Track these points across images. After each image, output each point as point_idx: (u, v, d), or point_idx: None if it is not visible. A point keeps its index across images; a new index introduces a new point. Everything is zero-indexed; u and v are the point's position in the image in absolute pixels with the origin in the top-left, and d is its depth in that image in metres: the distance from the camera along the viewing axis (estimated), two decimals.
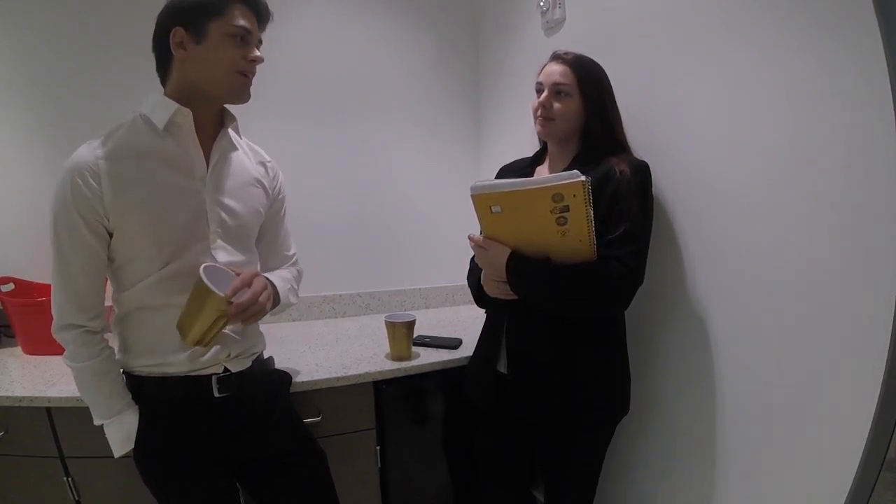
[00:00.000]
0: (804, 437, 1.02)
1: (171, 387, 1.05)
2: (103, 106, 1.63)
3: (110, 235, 1.00)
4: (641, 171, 1.18)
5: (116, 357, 1.08)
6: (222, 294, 0.92)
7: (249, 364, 1.15)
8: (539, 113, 1.25)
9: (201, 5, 0.96)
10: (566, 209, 1.02)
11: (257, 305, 0.98)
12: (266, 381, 1.22)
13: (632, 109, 1.31)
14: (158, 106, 1.01)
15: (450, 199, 2.24)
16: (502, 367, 1.31)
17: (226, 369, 1.09)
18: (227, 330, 1.08)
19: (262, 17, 1.03)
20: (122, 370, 1.08)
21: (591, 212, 1.03)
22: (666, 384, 1.38)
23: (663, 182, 1.28)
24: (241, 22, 0.98)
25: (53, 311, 1.01)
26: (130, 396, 1.06)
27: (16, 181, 1.72)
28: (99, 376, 1.03)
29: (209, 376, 1.07)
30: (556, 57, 1.25)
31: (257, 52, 1.02)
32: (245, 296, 0.96)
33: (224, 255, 1.07)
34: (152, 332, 1.04)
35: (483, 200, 1.08)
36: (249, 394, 1.14)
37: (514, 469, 1.42)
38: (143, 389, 1.06)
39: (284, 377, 1.31)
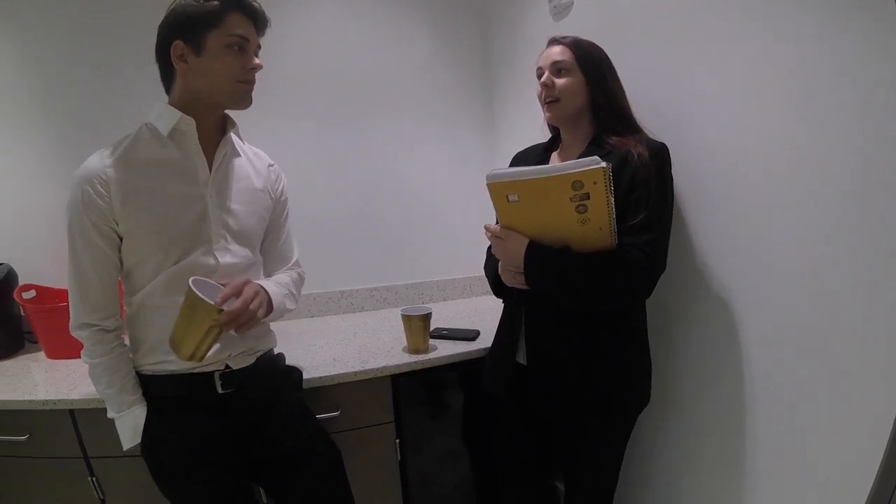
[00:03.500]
0: (836, 434, 0.98)
1: (175, 384, 1.08)
2: (122, 115, 1.63)
3: (121, 239, 1.05)
4: (660, 154, 1.14)
5: (130, 356, 1.12)
6: (212, 302, 0.93)
7: (253, 361, 1.16)
8: (543, 96, 1.22)
9: (199, 17, 0.99)
10: (586, 197, 0.98)
11: (248, 313, 0.99)
12: (273, 377, 1.22)
13: (642, 92, 1.27)
14: (163, 115, 1.06)
15: (465, 189, 2.21)
16: (521, 358, 1.28)
17: (227, 366, 1.11)
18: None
19: (259, 23, 1.06)
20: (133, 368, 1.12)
21: (613, 199, 0.99)
22: (688, 376, 1.34)
23: (679, 165, 1.22)
24: (239, 31, 1.01)
25: (70, 311, 1.07)
26: (140, 393, 1.10)
27: (35, 191, 1.75)
28: (111, 371, 1.07)
29: (211, 373, 1.10)
30: (553, 41, 1.24)
31: (256, 60, 1.05)
32: (235, 304, 0.97)
33: (228, 256, 1.10)
34: (157, 331, 1.07)
35: (499, 189, 1.05)
36: (254, 390, 1.15)
37: (534, 460, 1.40)
38: (150, 387, 1.11)
39: (294, 373, 1.31)
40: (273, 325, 1.30)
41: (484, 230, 1.18)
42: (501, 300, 1.38)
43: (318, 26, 1.99)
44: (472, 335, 1.66)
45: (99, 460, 1.33)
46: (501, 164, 1.41)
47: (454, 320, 1.88)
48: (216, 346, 1.05)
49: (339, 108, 2.04)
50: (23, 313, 1.68)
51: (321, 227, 2.01)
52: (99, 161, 1.02)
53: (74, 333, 1.07)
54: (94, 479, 1.34)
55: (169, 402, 1.09)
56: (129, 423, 1.08)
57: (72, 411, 1.30)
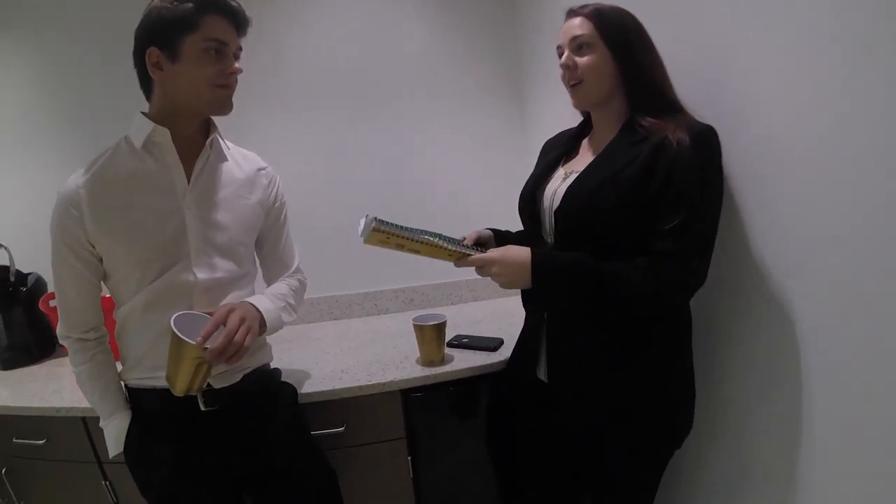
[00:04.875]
0: None
1: (160, 398, 1.06)
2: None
3: (101, 259, 1.04)
4: (704, 140, 0.94)
5: (113, 364, 1.13)
6: (194, 342, 0.89)
7: (239, 379, 1.11)
8: (566, 79, 1.05)
9: (173, 21, 0.94)
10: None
11: (233, 346, 0.93)
12: (263, 394, 1.17)
13: (689, 66, 1.07)
14: (138, 126, 1.02)
15: (493, 176, 2.04)
16: (542, 375, 1.15)
17: (209, 385, 1.06)
18: None
19: (239, 24, 1.00)
20: (121, 380, 1.12)
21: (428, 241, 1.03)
22: (738, 395, 1.12)
23: (730, 150, 1.00)
24: (216, 34, 0.96)
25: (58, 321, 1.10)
26: (124, 401, 1.11)
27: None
28: (92, 378, 1.09)
29: None
30: (571, 12, 1.05)
31: (236, 64, 1.00)
32: (217, 340, 0.91)
33: (208, 271, 1.05)
34: (142, 346, 1.06)
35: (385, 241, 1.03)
36: (241, 408, 1.10)
37: (559, 485, 1.25)
38: (137, 400, 1.10)
39: (286, 390, 1.25)
40: (293, 329, 1.25)
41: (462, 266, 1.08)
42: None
43: (323, 15, 1.91)
44: (493, 345, 1.53)
45: (112, 465, 1.35)
46: (535, 147, 1.29)
47: (481, 325, 1.75)
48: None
49: (356, 105, 1.94)
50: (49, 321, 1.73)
51: (343, 228, 1.90)
52: (73, 182, 1.00)
53: (62, 342, 1.11)
54: (107, 483, 1.37)
55: (154, 416, 1.08)
56: (113, 433, 1.09)
57: (84, 418, 1.32)
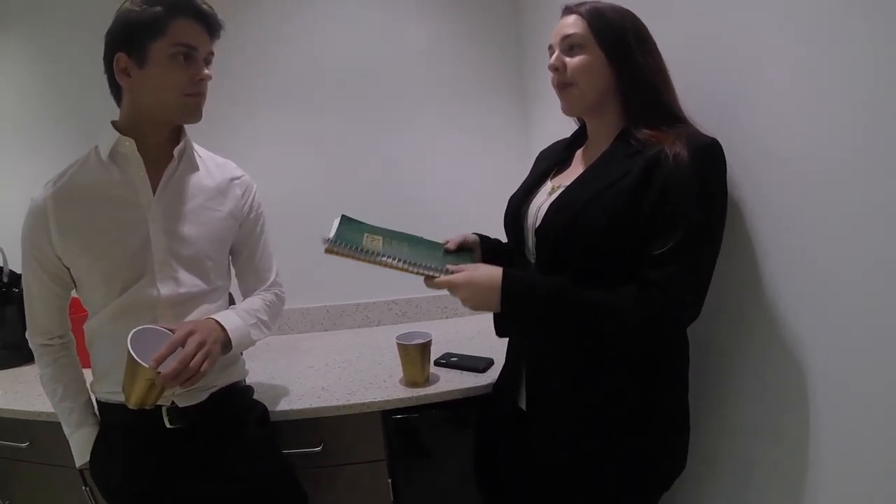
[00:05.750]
0: None
1: (125, 413, 1.03)
2: None
3: (68, 269, 1.04)
4: (705, 155, 0.85)
5: (76, 367, 1.15)
6: (146, 365, 0.87)
7: (205, 398, 1.09)
8: (554, 81, 0.98)
9: (140, 26, 0.92)
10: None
11: (188, 371, 0.90)
12: (228, 414, 1.15)
13: (693, 70, 1.00)
14: (106, 136, 1.01)
15: (495, 181, 1.92)
16: (522, 403, 1.09)
17: (174, 403, 1.05)
18: None
19: (211, 28, 0.98)
20: (91, 392, 1.13)
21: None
22: (736, 432, 1.04)
23: (734, 164, 0.92)
24: (184, 39, 0.94)
25: None
26: (91, 412, 1.12)
27: None
28: (54, 381, 1.11)
29: (159, 407, 1.03)
30: (566, 10, 0.98)
31: (206, 71, 0.98)
32: (171, 365, 0.89)
33: (172, 286, 1.03)
34: (108, 360, 1.05)
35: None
36: (207, 427, 1.09)
37: None
38: (104, 414, 1.11)
39: (256, 408, 1.23)
40: (281, 339, 1.24)
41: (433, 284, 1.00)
42: None
43: (321, 19, 1.88)
44: (482, 365, 1.49)
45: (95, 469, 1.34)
46: (537, 149, 1.24)
47: (473, 341, 1.70)
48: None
49: (351, 100, 1.90)
50: None
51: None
52: (42, 193, 1.01)
53: (30, 344, 1.12)
54: (87, 488, 1.37)
55: (119, 430, 1.08)
56: (78, 443, 1.11)
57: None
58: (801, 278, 0.84)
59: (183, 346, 0.92)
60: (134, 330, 0.91)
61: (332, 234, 0.98)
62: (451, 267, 0.99)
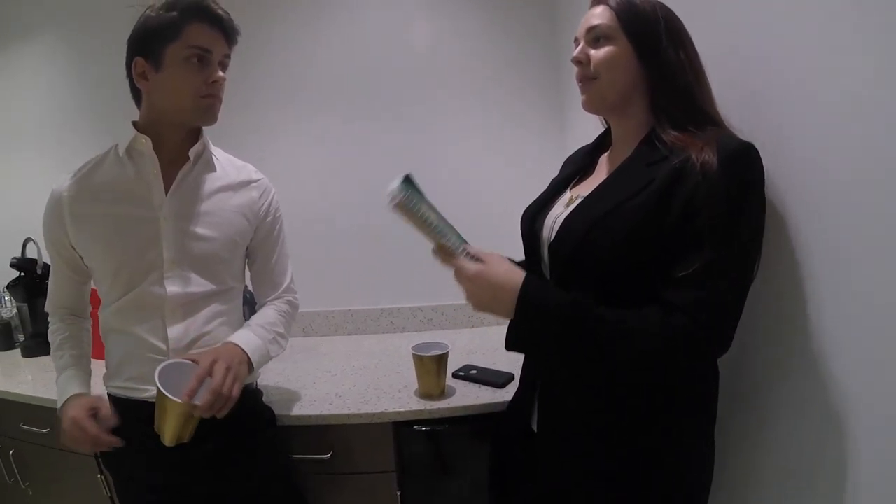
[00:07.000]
0: None
1: (131, 410, 1.05)
2: None
3: (82, 258, 1.07)
4: (740, 161, 0.75)
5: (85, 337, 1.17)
6: (179, 400, 0.88)
7: None
8: (578, 75, 0.90)
9: (156, 30, 0.95)
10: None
11: (221, 398, 0.92)
12: (238, 416, 1.12)
13: (735, 72, 0.91)
14: (126, 134, 1.03)
15: (526, 186, 1.86)
16: (534, 425, 1.01)
17: None
18: None
19: (226, 32, 0.99)
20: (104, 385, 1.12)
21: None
22: (770, 469, 0.93)
23: (774, 173, 0.82)
24: (198, 42, 0.96)
25: None
26: (82, 365, 1.11)
27: None
28: (57, 334, 1.12)
29: None
30: (594, 0, 0.90)
31: (220, 73, 0.99)
32: (204, 398, 0.90)
33: (179, 285, 1.03)
34: (115, 356, 1.07)
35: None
36: (212, 429, 1.04)
37: None
38: (115, 406, 1.07)
39: (264, 415, 1.22)
40: (304, 341, 1.22)
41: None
42: None
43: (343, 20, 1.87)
44: (502, 380, 1.42)
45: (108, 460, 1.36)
46: (573, 148, 1.17)
47: (497, 353, 1.63)
48: None
49: (379, 104, 1.88)
50: None
51: (362, 238, 1.88)
52: (61, 185, 1.04)
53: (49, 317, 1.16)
54: (102, 476, 1.40)
55: (131, 423, 1.06)
56: (62, 384, 1.06)
57: None
58: (846, 293, 0.73)
59: (211, 376, 0.92)
60: (159, 367, 0.91)
61: (403, 192, 0.89)
62: (470, 249, 0.89)
